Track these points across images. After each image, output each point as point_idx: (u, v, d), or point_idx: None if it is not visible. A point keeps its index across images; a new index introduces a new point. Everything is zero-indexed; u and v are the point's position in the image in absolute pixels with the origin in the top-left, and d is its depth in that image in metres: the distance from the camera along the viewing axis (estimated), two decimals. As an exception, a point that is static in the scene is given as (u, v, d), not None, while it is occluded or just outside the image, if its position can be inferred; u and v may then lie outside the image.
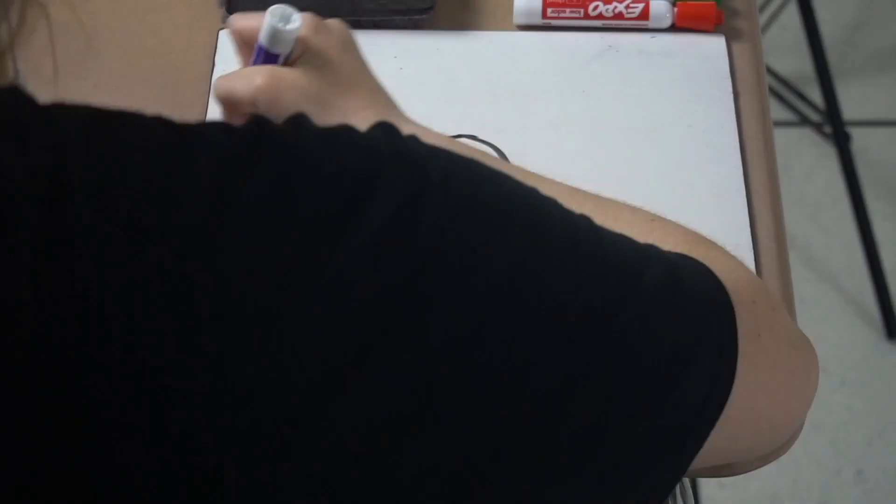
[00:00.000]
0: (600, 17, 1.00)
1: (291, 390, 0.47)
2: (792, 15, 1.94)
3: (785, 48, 2.12)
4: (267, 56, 0.80)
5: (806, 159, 2.05)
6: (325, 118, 0.77)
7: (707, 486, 1.74)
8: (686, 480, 0.91)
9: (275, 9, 0.79)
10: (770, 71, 1.93)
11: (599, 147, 0.94)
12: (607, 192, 0.91)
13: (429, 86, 0.98)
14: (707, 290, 0.60)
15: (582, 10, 1.00)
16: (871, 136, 2.07)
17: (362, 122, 0.71)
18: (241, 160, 0.49)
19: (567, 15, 1.00)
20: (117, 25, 1.02)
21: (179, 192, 0.48)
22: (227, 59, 0.99)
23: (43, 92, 0.54)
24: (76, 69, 1.00)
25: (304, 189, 0.49)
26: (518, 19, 1.01)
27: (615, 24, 1.00)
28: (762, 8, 2.01)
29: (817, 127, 2.01)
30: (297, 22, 0.79)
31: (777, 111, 2.01)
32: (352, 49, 0.83)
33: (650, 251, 0.60)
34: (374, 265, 0.48)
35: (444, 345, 0.49)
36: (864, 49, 2.18)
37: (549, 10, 1.00)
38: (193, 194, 0.48)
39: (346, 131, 0.54)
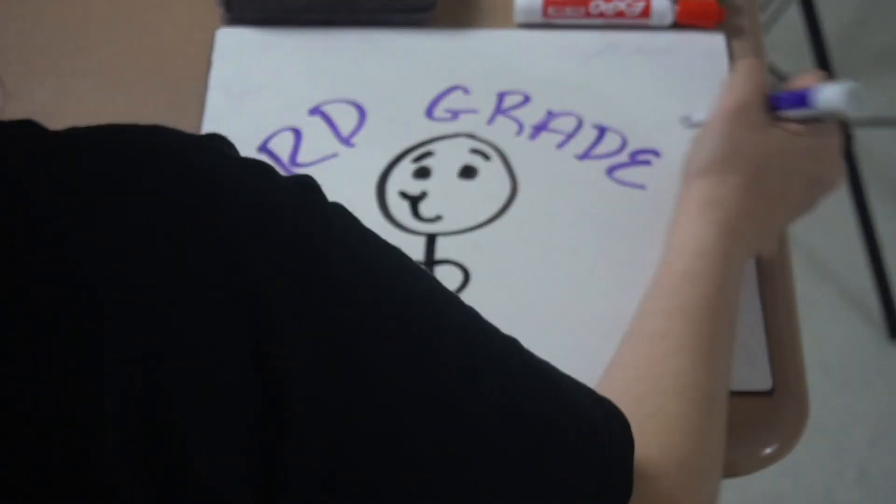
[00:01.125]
0: (601, 15, 0.99)
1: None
2: (794, 13, 1.94)
3: (787, 47, 2.11)
4: (800, 100, 0.81)
5: (808, 159, 2.05)
6: (724, 165, 0.80)
7: (709, 487, 1.74)
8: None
9: (859, 88, 0.79)
10: (772, 70, 1.92)
11: (601, 146, 0.94)
12: (609, 189, 0.91)
13: (427, 84, 0.98)
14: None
15: (583, 9, 0.99)
16: (874, 135, 2.07)
17: (714, 203, 0.77)
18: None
19: (568, 13, 0.99)
20: (115, 24, 1.02)
21: None
22: (225, 58, 0.99)
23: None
24: (74, 68, 0.99)
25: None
26: (519, 17, 1.00)
27: (616, 23, 0.99)
28: (764, 7, 2.01)
29: (819, 126, 2.00)
30: (862, 108, 0.79)
31: (779, 111, 2.00)
32: (832, 179, 0.84)
33: (573, 396, 0.60)
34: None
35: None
36: (867, 48, 2.17)
37: (549, 8, 0.99)
38: None
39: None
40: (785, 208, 0.82)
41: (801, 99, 0.81)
